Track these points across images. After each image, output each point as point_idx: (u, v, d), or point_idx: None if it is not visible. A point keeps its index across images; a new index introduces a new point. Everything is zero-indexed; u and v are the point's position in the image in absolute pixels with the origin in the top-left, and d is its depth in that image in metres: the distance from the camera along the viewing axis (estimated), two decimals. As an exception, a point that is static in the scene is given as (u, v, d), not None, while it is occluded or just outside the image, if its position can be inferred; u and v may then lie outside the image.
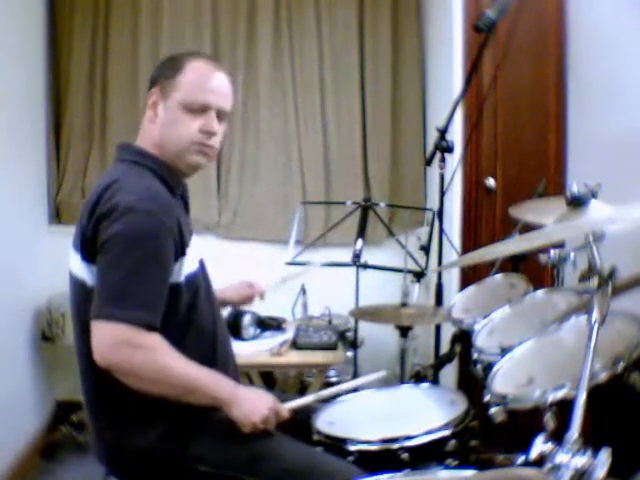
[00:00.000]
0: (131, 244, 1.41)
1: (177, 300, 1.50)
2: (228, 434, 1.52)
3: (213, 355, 1.60)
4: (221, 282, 1.72)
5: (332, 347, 2.67)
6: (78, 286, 1.50)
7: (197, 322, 1.57)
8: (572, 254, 1.84)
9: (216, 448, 1.50)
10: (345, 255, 2.70)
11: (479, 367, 1.65)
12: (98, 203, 1.45)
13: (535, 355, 1.50)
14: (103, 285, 1.41)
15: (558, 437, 0.95)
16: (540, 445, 0.94)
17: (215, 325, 1.63)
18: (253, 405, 1.50)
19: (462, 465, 1.54)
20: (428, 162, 2.49)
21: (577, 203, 1.33)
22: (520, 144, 2.85)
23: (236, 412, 1.49)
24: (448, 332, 2.21)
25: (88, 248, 1.46)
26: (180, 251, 1.50)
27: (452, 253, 2.73)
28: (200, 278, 1.60)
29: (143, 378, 1.42)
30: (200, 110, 1.55)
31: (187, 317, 1.54)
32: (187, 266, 1.53)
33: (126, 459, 1.53)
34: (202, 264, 1.64)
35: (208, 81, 1.57)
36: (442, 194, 2.46)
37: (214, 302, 1.67)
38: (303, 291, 3.10)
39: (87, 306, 1.45)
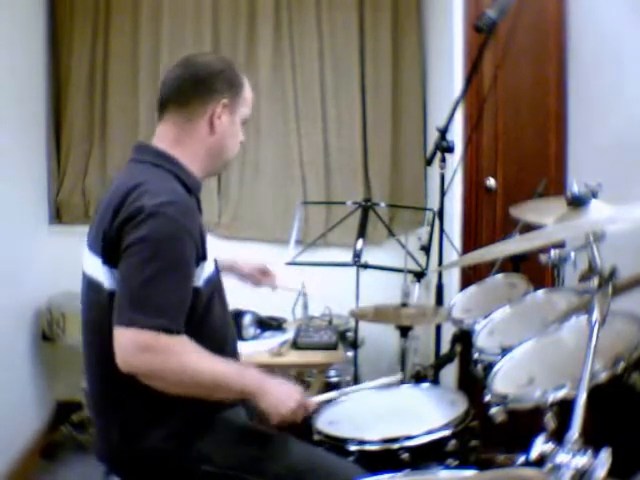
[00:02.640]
0: (155, 249, 1.40)
1: (195, 303, 1.49)
2: (231, 434, 1.52)
3: (221, 355, 1.59)
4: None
5: (332, 347, 2.67)
6: (93, 288, 1.49)
7: (210, 323, 1.57)
8: (572, 254, 1.84)
9: (219, 448, 1.50)
10: (345, 255, 2.70)
11: (479, 367, 1.66)
12: (122, 206, 1.43)
13: (535, 355, 1.50)
14: (126, 291, 1.40)
15: (558, 437, 0.95)
16: (540, 445, 0.93)
17: (226, 324, 1.64)
18: (281, 397, 1.50)
19: (462, 465, 1.55)
20: (428, 162, 2.49)
21: (577, 203, 1.33)
22: (520, 144, 2.85)
23: (264, 403, 1.48)
24: (448, 332, 2.21)
25: (110, 251, 1.44)
26: (202, 255, 1.50)
27: (452, 253, 2.73)
28: (215, 279, 1.61)
29: (168, 381, 1.41)
30: None
31: (202, 319, 1.53)
32: (207, 269, 1.53)
33: (129, 459, 1.52)
34: (216, 264, 1.64)
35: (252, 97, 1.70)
36: (442, 194, 2.45)
37: (225, 302, 1.67)
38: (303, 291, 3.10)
39: (101, 308, 1.45)
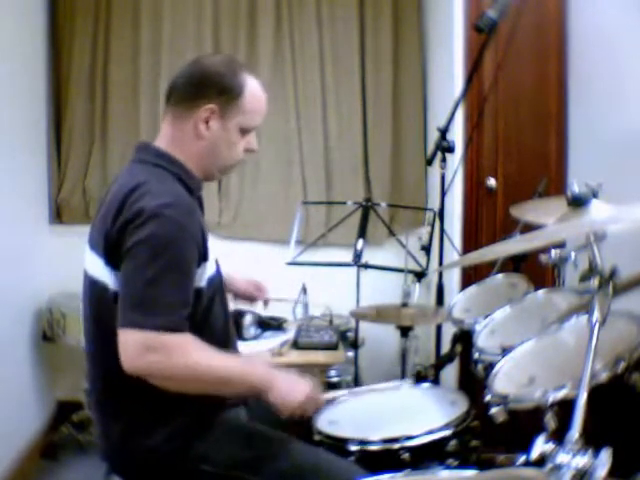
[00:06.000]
0: (156, 251, 1.40)
1: (197, 304, 1.49)
2: (232, 434, 1.52)
3: None
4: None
5: (333, 347, 2.67)
6: (98, 289, 1.49)
7: (211, 323, 1.57)
8: (573, 254, 1.84)
9: (219, 448, 1.51)
10: (346, 255, 2.70)
11: (480, 367, 1.66)
12: (123, 207, 1.44)
13: (536, 355, 1.50)
14: (128, 292, 1.40)
15: (559, 437, 0.95)
16: (541, 445, 0.94)
17: (226, 325, 1.64)
18: (290, 390, 1.49)
19: (463, 465, 1.55)
20: (429, 162, 2.49)
21: (578, 203, 1.33)
22: (521, 144, 2.85)
23: (273, 397, 1.47)
24: (449, 332, 2.21)
25: (112, 253, 1.45)
26: (203, 256, 1.50)
27: (453, 253, 2.73)
28: (217, 280, 1.61)
29: (176, 380, 1.41)
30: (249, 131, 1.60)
31: (203, 319, 1.53)
32: (208, 270, 1.54)
33: (130, 458, 1.53)
34: (217, 264, 1.64)
35: (263, 106, 1.61)
36: (443, 194, 2.45)
37: (226, 303, 1.68)
38: (304, 291, 3.10)
39: (107, 309, 1.45)
